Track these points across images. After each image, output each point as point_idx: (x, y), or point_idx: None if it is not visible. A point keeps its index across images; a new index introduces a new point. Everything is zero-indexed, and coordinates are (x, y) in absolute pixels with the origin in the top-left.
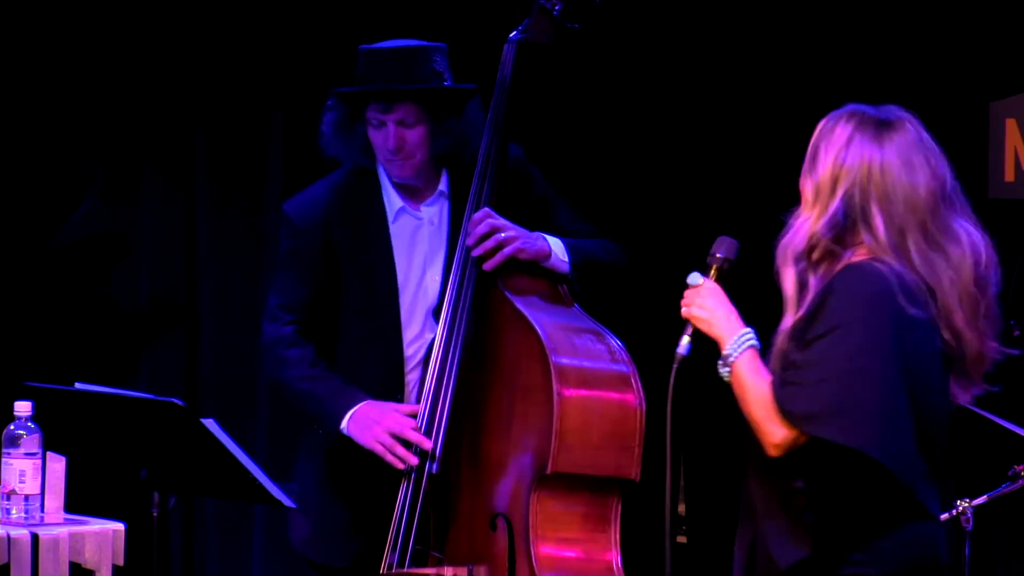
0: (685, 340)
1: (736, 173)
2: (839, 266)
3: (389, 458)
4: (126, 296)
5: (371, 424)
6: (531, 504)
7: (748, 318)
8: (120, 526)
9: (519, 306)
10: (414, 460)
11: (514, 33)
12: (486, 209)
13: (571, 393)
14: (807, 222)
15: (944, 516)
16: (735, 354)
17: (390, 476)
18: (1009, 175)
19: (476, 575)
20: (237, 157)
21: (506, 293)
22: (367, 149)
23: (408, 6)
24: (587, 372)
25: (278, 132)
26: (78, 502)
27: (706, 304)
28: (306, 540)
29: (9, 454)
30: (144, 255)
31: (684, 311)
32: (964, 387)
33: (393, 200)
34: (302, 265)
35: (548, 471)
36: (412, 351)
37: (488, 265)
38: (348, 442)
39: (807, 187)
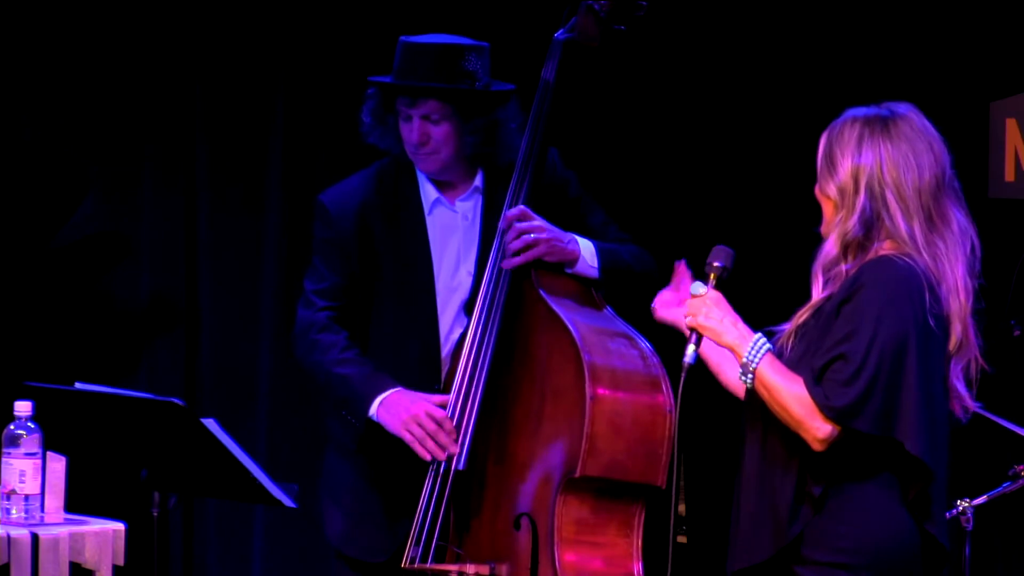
0: (691, 349)
1: (755, 176)
2: (868, 256)
3: (417, 448)
4: (127, 296)
5: (401, 411)
6: (557, 506)
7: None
8: (120, 526)
9: (553, 306)
10: (442, 455)
11: (559, 32)
12: (522, 207)
13: (603, 395)
14: (838, 226)
15: (949, 514)
16: (756, 360)
17: (418, 468)
18: (1009, 175)
19: (498, 573)
20: (237, 158)
21: (540, 292)
22: (400, 139)
23: (453, 3)
24: (619, 375)
25: (278, 134)
26: (78, 502)
27: (713, 314)
28: (341, 535)
29: (9, 454)
30: (144, 255)
31: (690, 321)
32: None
33: (429, 192)
34: (337, 253)
35: (576, 474)
36: (444, 343)
37: (507, 264)
38: (376, 431)
39: (831, 191)
